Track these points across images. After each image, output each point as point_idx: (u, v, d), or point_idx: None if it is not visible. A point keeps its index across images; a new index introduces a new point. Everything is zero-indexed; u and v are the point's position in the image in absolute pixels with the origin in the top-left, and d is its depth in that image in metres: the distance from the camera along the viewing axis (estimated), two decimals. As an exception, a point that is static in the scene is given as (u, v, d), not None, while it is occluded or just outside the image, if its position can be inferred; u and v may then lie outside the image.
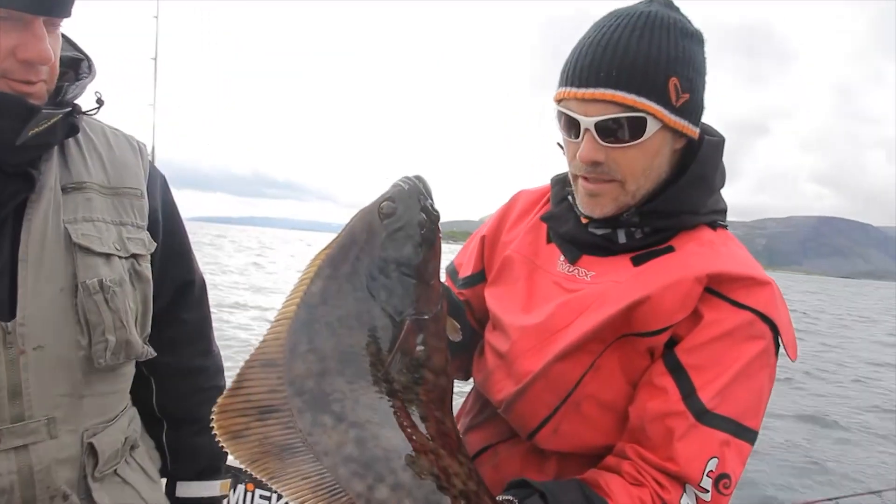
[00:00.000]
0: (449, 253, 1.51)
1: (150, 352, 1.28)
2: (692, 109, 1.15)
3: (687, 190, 1.17)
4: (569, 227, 1.26)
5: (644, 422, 1.08)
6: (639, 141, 1.10)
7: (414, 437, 0.89)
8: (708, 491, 1.03)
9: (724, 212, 1.25)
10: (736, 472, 1.05)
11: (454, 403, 1.07)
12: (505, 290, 1.33)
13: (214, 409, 0.86)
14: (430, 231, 1.04)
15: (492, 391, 1.25)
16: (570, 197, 1.28)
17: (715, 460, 1.03)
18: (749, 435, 1.07)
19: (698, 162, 1.18)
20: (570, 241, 1.26)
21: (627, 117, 1.08)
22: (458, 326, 1.12)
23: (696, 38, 1.15)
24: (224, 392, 0.87)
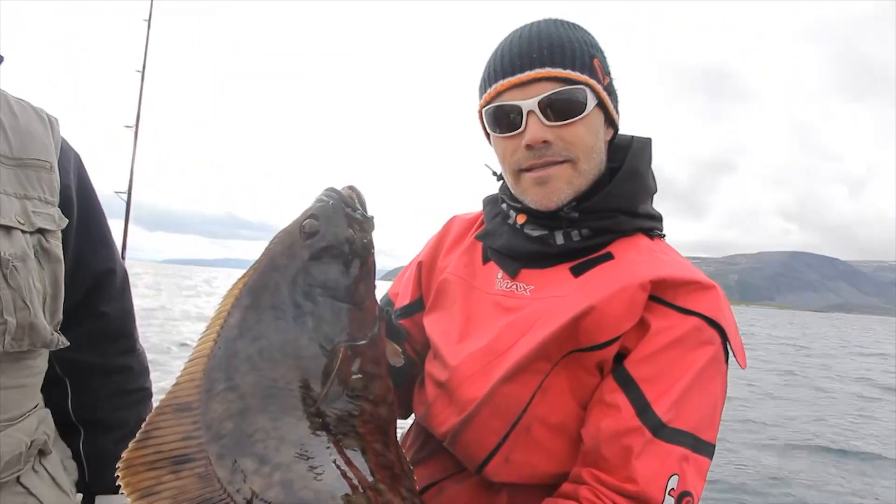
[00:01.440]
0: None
1: (62, 341, 1.14)
2: (614, 94, 1.18)
3: (623, 185, 1.16)
4: (504, 239, 1.22)
5: (599, 443, 1.01)
6: (582, 115, 1.10)
7: (349, 475, 0.81)
8: None
9: (660, 219, 1.23)
10: (697, 489, 0.99)
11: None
12: (442, 315, 1.27)
13: (119, 464, 0.76)
14: (360, 247, 0.97)
15: (434, 423, 1.17)
16: (504, 205, 1.26)
17: (675, 478, 0.97)
18: (707, 449, 1.02)
19: (631, 156, 1.19)
20: (507, 255, 1.21)
21: (568, 90, 1.09)
22: (399, 350, 1.05)
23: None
24: (129, 445, 0.78)
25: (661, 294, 1.06)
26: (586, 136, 1.11)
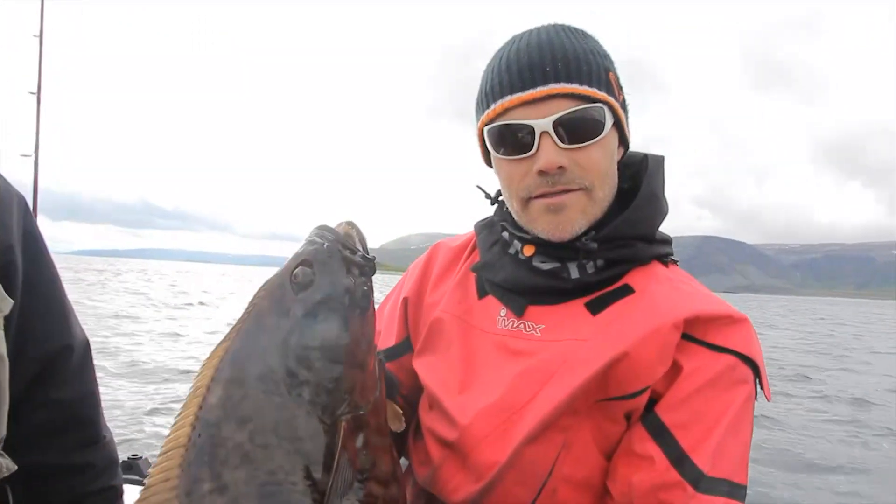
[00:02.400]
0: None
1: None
2: (627, 111, 1.06)
3: (642, 210, 1.05)
4: (507, 272, 1.08)
5: (632, 499, 0.91)
6: (600, 137, 0.98)
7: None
8: None
9: (671, 243, 1.13)
10: None
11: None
12: (437, 359, 1.12)
13: None
14: (361, 296, 0.82)
15: (445, 490, 1.03)
16: (505, 234, 1.12)
17: None
18: (742, 493, 0.94)
19: (649, 178, 1.08)
20: (511, 290, 1.08)
21: (585, 109, 0.96)
22: (400, 412, 0.91)
23: None
24: None
25: (692, 332, 0.96)
26: (602, 160, 0.99)
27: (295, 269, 0.79)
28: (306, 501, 0.69)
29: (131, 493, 0.93)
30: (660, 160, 1.11)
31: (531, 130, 0.96)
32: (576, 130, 0.96)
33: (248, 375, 0.73)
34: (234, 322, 0.78)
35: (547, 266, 1.04)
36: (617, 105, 1.00)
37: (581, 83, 0.96)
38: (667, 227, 1.12)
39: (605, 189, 1.02)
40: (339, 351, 0.78)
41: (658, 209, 1.07)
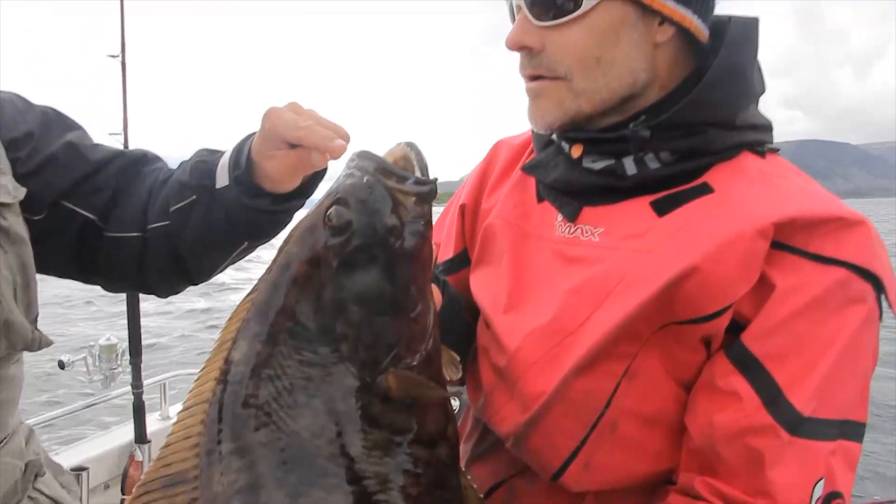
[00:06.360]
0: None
1: (45, 340, 0.92)
2: None
3: (715, 89, 0.84)
4: (559, 171, 0.95)
5: (714, 442, 0.79)
6: (577, 13, 0.82)
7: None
8: None
9: (768, 129, 0.91)
10: (847, 484, 0.78)
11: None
12: (489, 272, 1.02)
13: None
14: (411, 234, 0.71)
15: (494, 420, 0.96)
16: (555, 137, 0.98)
17: (822, 481, 0.75)
18: (858, 431, 0.79)
19: (727, 47, 0.86)
20: (563, 192, 0.95)
21: None
22: (458, 358, 0.82)
23: None
24: None
25: (788, 239, 0.78)
26: (584, 43, 0.83)
27: (329, 209, 0.69)
28: (331, 467, 0.64)
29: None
30: (748, 24, 0.88)
31: (511, 2, 0.88)
32: (545, 4, 0.82)
33: (277, 330, 0.67)
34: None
35: (599, 165, 0.89)
36: None
37: None
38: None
39: (592, 80, 0.85)
40: (381, 303, 0.69)
41: (741, 87, 0.86)
